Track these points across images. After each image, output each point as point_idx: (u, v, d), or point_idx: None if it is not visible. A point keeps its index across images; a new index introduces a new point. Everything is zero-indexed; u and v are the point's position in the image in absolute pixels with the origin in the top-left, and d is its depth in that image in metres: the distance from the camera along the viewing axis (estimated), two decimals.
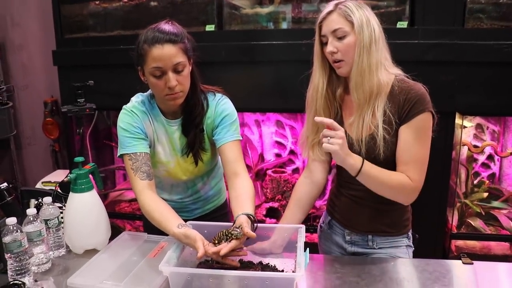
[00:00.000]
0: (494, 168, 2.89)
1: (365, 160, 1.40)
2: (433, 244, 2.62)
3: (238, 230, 1.32)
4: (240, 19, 2.71)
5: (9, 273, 1.38)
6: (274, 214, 3.04)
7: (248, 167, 1.61)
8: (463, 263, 1.49)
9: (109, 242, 1.66)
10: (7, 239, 1.36)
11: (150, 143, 1.62)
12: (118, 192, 3.41)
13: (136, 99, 1.64)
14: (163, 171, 1.68)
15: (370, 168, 1.41)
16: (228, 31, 2.69)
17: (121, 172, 3.50)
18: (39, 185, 2.99)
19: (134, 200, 1.61)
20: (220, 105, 1.63)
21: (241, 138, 1.64)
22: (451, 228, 2.66)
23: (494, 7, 2.36)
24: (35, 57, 3.55)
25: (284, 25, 2.69)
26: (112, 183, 3.52)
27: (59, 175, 3.10)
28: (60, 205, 1.70)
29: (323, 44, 1.48)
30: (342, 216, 1.65)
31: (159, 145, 1.65)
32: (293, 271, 1.41)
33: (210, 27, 2.68)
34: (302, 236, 1.43)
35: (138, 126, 1.58)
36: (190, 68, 1.53)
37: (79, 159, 1.63)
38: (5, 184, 1.71)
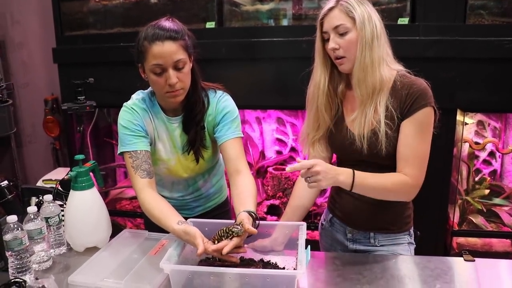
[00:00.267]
0: (496, 165, 2.89)
1: (355, 172, 1.38)
2: (434, 241, 2.61)
3: (238, 227, 1.31)
4: (240, 16, 2.70)
5: (10, 271, 1.38)
6: (275, 211, 3.03)
7: (249, 164, 1.61)
8: (464, 260, 1.49)
9: (110, 240, 1.66)
10: (7, 237, 1.36)
11: (151, 141, 1.62)
12: (119, 190, 3.41)
13: (137, 96, 1.63)
14: (163, 168, 1.68)
15: (363, 179, 1.39)
16: (228, 28, 2.69)
17: (121, 170, 3.50)
18: (39, 183, 2.99)
19: (135, 198, 1.61)
20: (221, 102, 1.63)
21: (242, 135, 1.63)
22: (453, 225, 2.65)
23: (495, 3, 2.36)
24: (35, 54, 3.55)
25: (284, 22, 2.69)
26: (113, 181, 3.52)
27: (60, 173, 3.10)
28: (60, 203, 1.70)
29: (325, 41, 1.48)
30: (343, 213, 1.64)
31: (160, 143, 1.64)
32: (294, 269, 1.41)
33: (210, 24, 2.68)
34: (303, 234, 1.43)
35: (138, 123, 1.57)
36: (191, 65, 1.52)
37: (80, 156, 1.62)
38: (6, 182, 1.71)
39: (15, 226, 1.37)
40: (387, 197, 1.47)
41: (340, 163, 1.64)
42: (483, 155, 2.87)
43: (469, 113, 2.67)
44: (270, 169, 3.12)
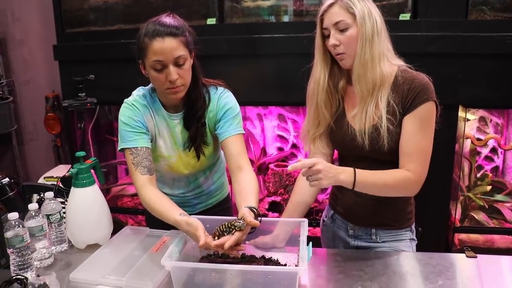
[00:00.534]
0: (498, 161, 2.88)
1: (356, 171, 1.38)
2: (436, 238, 2.61)
3: (240, 221, 1.31)
4: (241, 12, 2.69)
5: (12, 268, 1.38)
6: (277, 208, 3.03)
7: (251, 161, 1.61)
8: (466, 256, 1.49)
9: (111, 237, 1.66)
10: (9, 234, 1.35)
11: (152, 137, 1.62)
12: (120, 187, 3.42)
13: (137, 93, 1.63)
14: (164, 165, 1.68)
15: (365, 177, 1.39)
16: (229, 25, 2.68)
17: (123, 167, 3.50)
18: (41, 180, 2.99)
19: (136, 195, 1.61)
20: (223, 99, 1.62)
21: (244, 132, 1.63)
22: (454, 222, 2.65)
23: None
24: (36, 52, 3.54)
25: (285, 18, 2.68)
26: (114, 178, 3.52)
27: (61, 170, 3.10)
28: (62, 200, 1.70)
29: (325, 37, 1.47)
30: (345, 209, 1.64)
31: (161, 139, 1.64)
32: (296, 265, 1.41)
33: (211, 21, 2.67)
34: (305, 230, 1.42)
35: (139, 120, 1.57)
36: (192, 61, 1.52)
37: (81, 153, 1.62)
38: (7, 179, 1.71)
39: (16, 223, 1.37)
40: (389, 193, 1.46)
41: (341, 159, 1.63)
42: (485, 151, 2.87)
43: (471, 109, 2.66)
44: (271, 165, 3.11)
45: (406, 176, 1.42)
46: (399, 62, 1.49)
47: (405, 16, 2.42)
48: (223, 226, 1.33)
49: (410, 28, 2.36)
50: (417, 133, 1.41)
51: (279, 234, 1.54)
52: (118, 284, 1.35)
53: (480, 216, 2.71)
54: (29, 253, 1.39)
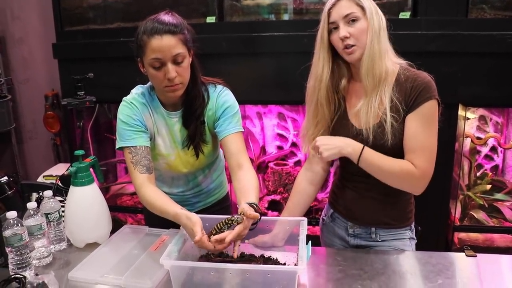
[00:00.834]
0: (497, 160, 2.88)
1: (365, 147, 1.42)
2: (436, 237, 2.61)
3: (239, 216, 1.30)
4: (241, 11, 2.69)
5: (10, 267, 1.38)
6: (276, 207, 3.03)
7: (250, 159, 1.60)
8: (466, 255, 1.49)
9: (110, 236, 1.66)
10: (7, 233, 1.35)
11: (150, 136, 1.61)
12: (119, 186, 3.41)
13: (136, 91, 1.62)
14: (163, 163, 1.67)
15: (371, 156, 1.42)
16: (229, 23, 2.68)
17: (122, 165, 3.49)
18: (40, 179, 2.98)
19: (136, 193, 1.61)
20: (221, 97, 1.62)
21: (243, 130, 1.62)
22: (454, 221, 2.65)
23: None
24: (36, 50, 3.54)
25: (285, 17, 2.67)
26: (114, 176, 3.52)
27: (61, 169, 3.09)
28: (61, 198, 1.69)
29: (330, 32, 1.47)
30: (345, 208, 1.64)
31: (159, 137, 1.63)
32: (295, 264, 1.40)
33: (210, 19, 2.67)
34: (304, 229, 1.42)
35: (138, 118, 1.56)
36: (190, 59, 1.51)
37: (79, 152, 1.62)
38: (6, 177, 1.70)
39: (15, 222, 1.37)
40: (391, 181, 1.46)
41: (342, 159, 1.63)
42: (485, 150, 2.86)
43: (471, 108, 2.65)
44: (271, 164, 3.11)
45: (411, 170, 1.42)
46: (400, 61, 1.50)
47: (405, 15, 2.42)
48: (221, 223, 1.33)
49: (410, 26, 2.36)
50: (421, 131, 1.41)
51: (278, 233, 1.54)
52: (117, 283, 1.35)
53: (480, 215, 2.71)
54: (28, 252, 1.39)
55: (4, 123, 3.13)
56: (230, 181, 1.91)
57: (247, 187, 1.47)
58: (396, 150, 1.45)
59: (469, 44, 2.32)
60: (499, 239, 2.73)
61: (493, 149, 2.86)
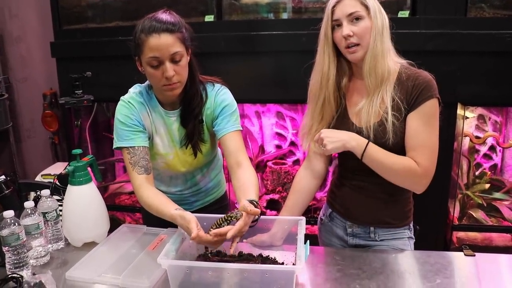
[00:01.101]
0: (496, 159, 2.88)
1: (370, 143, 1.42)
2: (434, 236, 2.61)
3: (238, 212, 1.30)
4: (239, 9, 2.68)
5: (7, 266, 1.38)
6: (275, 206, 3.03)
7: (249, 159, 1.60)
8: (465, 255, 1.48)
9: (108, 235, 1.66)
10: (4, 232, 1.35)
11: (149, 135, 1.61)
12: (118, 185, 3.41)
13: (134, 90, 1.62)
14: (161, 163, 1.67)
15: (375, 152, 1.42)
16: (227, 21, 2.67)
17: (121, 164, 3.49)
18: (38, 178, 2.98)
19: (134, 192, 1.62)
20: (220, 96, 1.61)
21: (241, 129, 1.62)
22: (453, 220, 2.65)
23: None
24: (34, 49, 3.53)
25: (284, 15, 2.67)
26: (112, 175, 3.51)
27: (59, 168, 3.09)
28: (58, 197, 1.69)
29: (333, 30, 1.46)
30: (343, 207, 1.63)
31: (157, 137, 1.63)
32: (293, 264, 1.40)
33: (209, 18, 2.66)
34: (302, 228, 1.42)
35: (135, 118, 1.56)
36: (188, 58, 1.51)
37: (77, 151, 1.61)
38: (3, 177, 1.70)
39: (12, 221, 1.36)
40: (394, 178, 1.45)
41: (341, 158, 1.63)
42: (483, 149, 2.86)
43: (470, 107, 2.65)
44: (269, 163, 3.11)
45: (413, 167, 1.42)
46: (401, 60, 1.50)
47: (404, 14, 2.41)
48: (220, 219, 1.33)
49: (409, 25, 2.35)
50: (423, 130, 1.42)
51: (277, 232, 1.54)
52: (114, 283, 1.35)
53: (479, 214, 2.71)
54: (25, 252, 1.39)
55: (1, 122, 3.12)
56: (228, 180, 1.91)
57: (247, 185, 1.46)
58: (398, 149, 1.45)
59: (468, 43, 2.31)
60: (497, 238, 2.73)
61: (492, 148, 2.86)
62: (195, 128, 1.61)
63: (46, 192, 1.58)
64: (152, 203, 1.48)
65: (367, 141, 1.42)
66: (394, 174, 1.44)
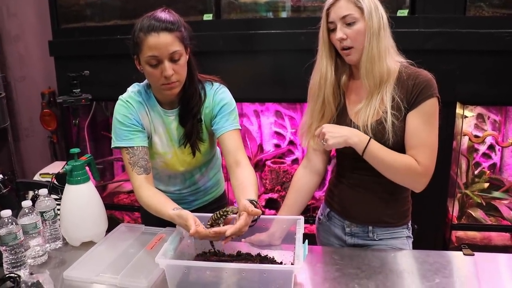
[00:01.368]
0: (495, 158, 2.88)
1: (371, 139, 1.41)
2: (433, 235, 2.61)
3: (234, 207, 1.32)
4: (238, 8, 2.68)
5: (5, 266, 1.37)
6: (274, 205, 3.03)
7: (248, 158, 1.60)
8: (464, 254, 1.48)
9: (106, 234, 1.65)
10: (2, 231, 1.34)
11: (148, 134, 1.60)
12: (116, 184, 3.40)
13: (132, 89, 1.61)
14: (160, 162, 1.66)
15: (377, 149, 1.41)
16: (226, 20, 2.67)
17: (119, 163, 3.48)
18: (37, 177, 2.97)
19: (133, 191, 1.61)
20: (218, 94, 1.61)
21: (240, 128, 1.62)
22: (452, 219, 2.65)
23: None
24: (32, 47, 3.52)
25: (283, 14, 2.66)
26: (111, 175, 3.51)
27: (57, 167, 3.08)
28: (56, 197, 1.68)
29: (330, 31, 1.46)
30: (342, 206, 1.63)
31: (156, 136, 1.62)
32: (292, 263, 1.40)
33: (208, 16, 2.66)
34: (301, 228, 1.42)
35: (134, 118, 1.55)
36: (187, 57, 1.50)
37: (75, 150, 1.61)
38: (1, 175, 1.70)
39: (10, 220, 1.36)
40: (394, 176, 1.45)
41: (340, 156, 1.62)
42: (482, 148, 2.86)
43: (469, 106, 2.65)
44: (268, 162, 3.10)
45: (413, 165, 1.41)
46: (401, 59, 1.49)
47: (403, 12, 2.41)
48: (215, 215, 1.34)
49: (408, 24, 2.35)
50: (423, 129, 1.41)
51: (275, 232, 1.53)
52: (112, 282, 1.34)
53: (478, 214, 2.71)
54: (23, 251, 1.38)
55: None
56: (227, 179, 1.91)
57: (246, 184, 1.46)
58: (397, 148, 1.44)
59: (467, 42, 2.31)
60: (496, 237, 2.73)
61: (491, 147, 2.86)
62: (193, 127, 1.60)
63: (44, 191, 1.57)
64: (151, 203, 1.48)
65: (368, 137, 1.42)
66: (395, 171, 1.44)
